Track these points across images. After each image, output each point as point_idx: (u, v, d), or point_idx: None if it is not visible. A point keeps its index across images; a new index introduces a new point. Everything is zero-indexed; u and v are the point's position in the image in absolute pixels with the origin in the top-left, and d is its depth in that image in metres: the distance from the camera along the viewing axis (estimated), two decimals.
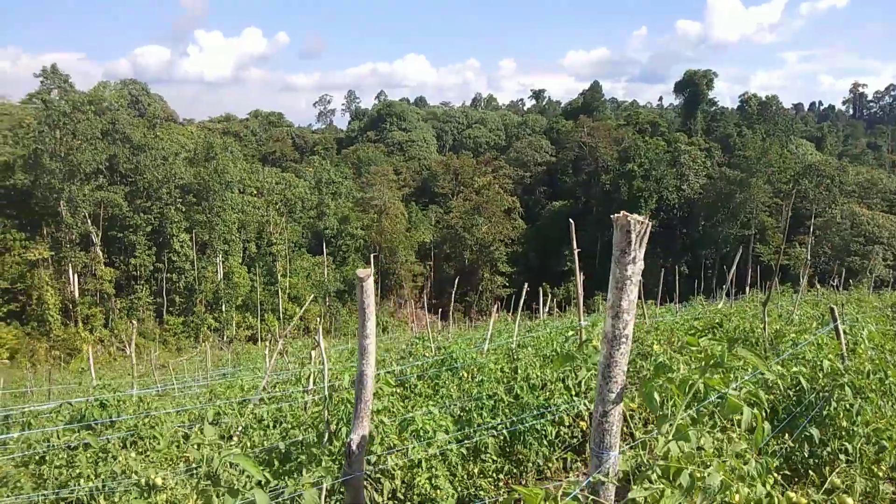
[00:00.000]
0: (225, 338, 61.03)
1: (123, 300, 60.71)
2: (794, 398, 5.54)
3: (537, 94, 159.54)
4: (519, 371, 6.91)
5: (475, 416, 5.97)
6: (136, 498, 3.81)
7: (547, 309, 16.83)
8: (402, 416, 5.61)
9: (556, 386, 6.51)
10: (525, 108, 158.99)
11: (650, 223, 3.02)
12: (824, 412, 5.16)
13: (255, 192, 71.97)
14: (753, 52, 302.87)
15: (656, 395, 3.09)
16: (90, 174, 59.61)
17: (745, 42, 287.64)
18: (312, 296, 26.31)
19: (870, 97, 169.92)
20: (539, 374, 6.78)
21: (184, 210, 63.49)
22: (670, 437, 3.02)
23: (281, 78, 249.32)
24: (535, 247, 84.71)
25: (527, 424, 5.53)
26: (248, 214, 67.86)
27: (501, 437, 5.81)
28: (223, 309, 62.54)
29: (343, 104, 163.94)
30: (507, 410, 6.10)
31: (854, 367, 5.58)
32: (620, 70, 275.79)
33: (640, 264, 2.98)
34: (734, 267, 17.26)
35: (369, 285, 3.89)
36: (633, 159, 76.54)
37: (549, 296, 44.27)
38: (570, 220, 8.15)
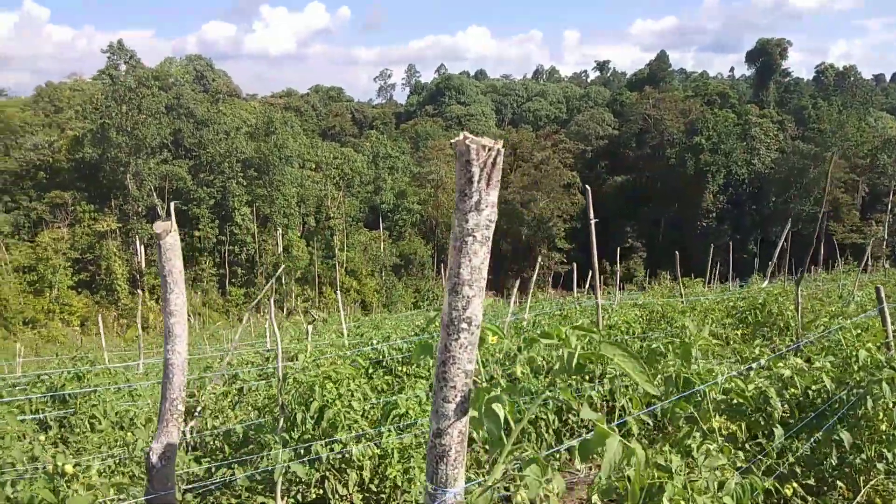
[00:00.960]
0: (284, 309, 62.18)
1: (188, 271, 62.43)
2: (818, 396, 4.68)
3: (602, 66, 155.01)
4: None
5: None
6: (41, 487, 3.36)
7: (587, 286, 15.89)
8: (386, 399, 5.04)
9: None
10: (588, 81, 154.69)
11: (498, 150, 2.07)
12: (859, 411, 4.28)
13: (314, 166, 72.56)
14: (833, 20, 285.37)
15: (500, 412, 2.04)
16: (155, 148, 61.22)
17: (824, 9, 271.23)
18: (282, 268, 26.10)
19: None
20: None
21: (245, 184, 64.63)
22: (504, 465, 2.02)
23: (343, 52, 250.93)
24: (596, 223, 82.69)
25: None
26: (306, 189, 68.55)
27: None
28: (283, 281, 63.65)
29: (403, 78, 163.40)
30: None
31: None
32: (690, 39, 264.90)
33: (490, 212, 2.09)
34: (780, 244, 15.96)
35: (169, 243, 2.95)
36: (701, 132, 73.34)
37: (592, 273, 43.08)
38: (588, 187, 7.37)
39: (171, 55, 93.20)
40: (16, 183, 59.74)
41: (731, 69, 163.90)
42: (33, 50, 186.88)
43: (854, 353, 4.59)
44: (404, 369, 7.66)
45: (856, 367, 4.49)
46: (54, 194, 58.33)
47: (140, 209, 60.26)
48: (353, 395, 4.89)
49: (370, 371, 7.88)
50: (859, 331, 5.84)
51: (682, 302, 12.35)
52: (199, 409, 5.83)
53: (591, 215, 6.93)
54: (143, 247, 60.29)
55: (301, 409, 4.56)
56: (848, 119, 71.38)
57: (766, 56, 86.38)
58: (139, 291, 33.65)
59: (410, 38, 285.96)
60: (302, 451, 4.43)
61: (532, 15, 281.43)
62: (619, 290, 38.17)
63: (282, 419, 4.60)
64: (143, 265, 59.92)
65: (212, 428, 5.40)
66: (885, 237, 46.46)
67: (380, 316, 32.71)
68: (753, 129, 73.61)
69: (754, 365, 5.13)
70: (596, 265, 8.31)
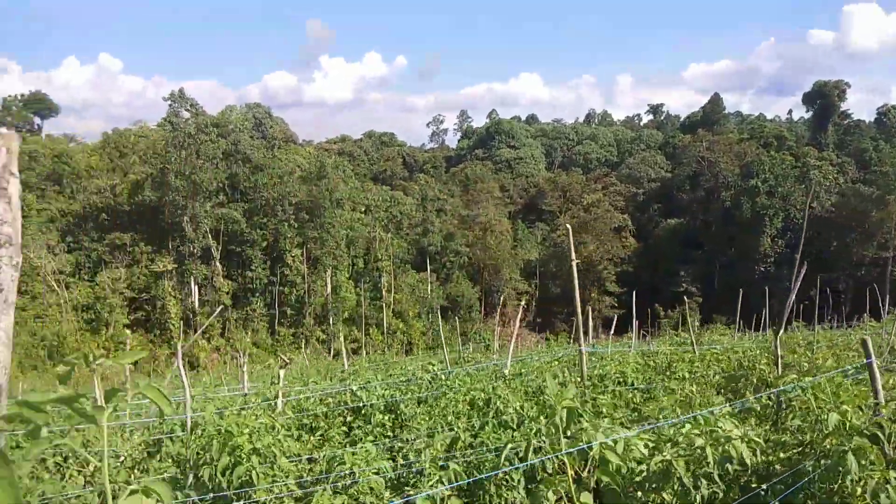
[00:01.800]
0: (332, 350, 62.45)
1: (239, 311, 63.65)
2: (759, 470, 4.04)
3: (655, 109, 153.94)
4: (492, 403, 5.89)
5: (417, 456, 4.96)
6: None
7: (612, 330, 15.22)
8: (333, 453, 4.69)
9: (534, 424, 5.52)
10: (641, 124, 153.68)
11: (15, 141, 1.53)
12: (819, 488, 3.62)
13: (364, 209, 73.65)
14: (895, 61, 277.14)
15: None
16: (212, 192, 63.27)
17: (886, 50, 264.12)
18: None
19: None
20: (523, 407, 5.76)
21: (296, 226, 65.95)
22: None
23: (398, 99, 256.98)
24: (647, 266, 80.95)
25: (485, 474, 4.38)
26: (356, 231, 69.49)
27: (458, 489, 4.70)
28: (330, 322, 64.12)
29: (455, 124, 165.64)
30: (465, 451, 5.06)
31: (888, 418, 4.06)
32: (746, 82, 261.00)
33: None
34: (794, 289, 15.03)
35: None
36: (757, 175, 71.43)
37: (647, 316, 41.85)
38: (568, 227, 7.06)
39: (234, 104, 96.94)
40: (79, 224, 62.53)
41: (790, 112, 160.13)
42: (106, 99, 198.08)
43: (822, 417, 4.00)
44: (382, 418, 7.39)
45: (819, 434, 3.90)
46: (114, 236, 60.73)
47: (195, 250, 62.03)
48: (277, 449, 4.56)
49: (346, 419, 7.69)
50: (850, 389, 5.21)
51: (694, 351, 11.68)
52: (121, 458, 5.62)
53: (573, 255, 6.56)
54: (197, 287, 61.84)
55: (209, 465, 4.26)
56: None
57: (823, 98, 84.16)
58: (191, 331, 34.42)
59: (464, 85, 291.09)
60: None
61: (584, 61, 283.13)
62: (667, 334, 36.91)
63: (190, 475, 4.32)
64: (197, 305, 61.35)
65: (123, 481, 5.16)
66: None
67: (391, 358, 32.28)
68: (812, 171, 71.21)
69: (668, 429, 4.55)
70: (579, 309, 7.91)
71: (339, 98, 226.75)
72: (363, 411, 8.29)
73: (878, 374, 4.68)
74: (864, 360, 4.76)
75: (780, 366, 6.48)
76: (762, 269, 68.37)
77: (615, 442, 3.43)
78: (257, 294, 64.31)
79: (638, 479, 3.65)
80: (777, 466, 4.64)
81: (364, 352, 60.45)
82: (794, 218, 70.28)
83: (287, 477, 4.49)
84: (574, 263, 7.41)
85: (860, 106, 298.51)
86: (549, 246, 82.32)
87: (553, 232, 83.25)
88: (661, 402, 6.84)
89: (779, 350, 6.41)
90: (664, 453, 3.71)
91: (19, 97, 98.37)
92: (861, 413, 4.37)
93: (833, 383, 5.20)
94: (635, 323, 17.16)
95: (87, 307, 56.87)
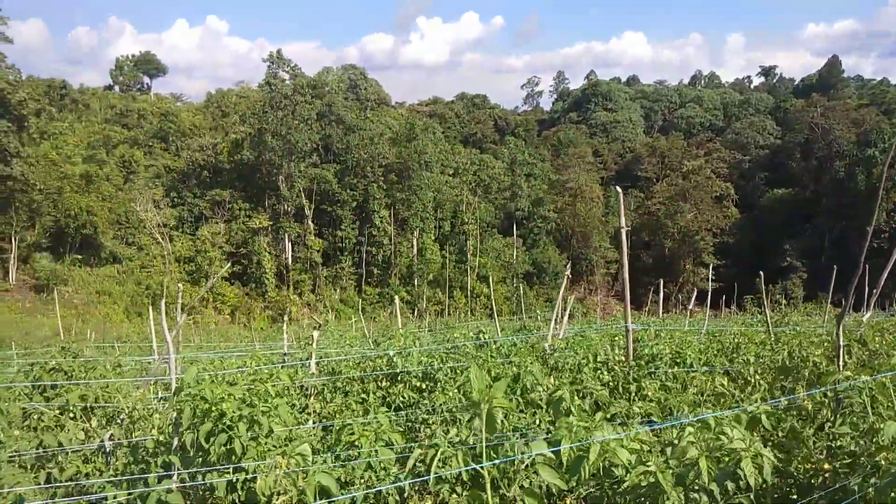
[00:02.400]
0: (416, 312, 63.40)
1: (329, 269, 65.59)
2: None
3: (767, 71, 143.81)
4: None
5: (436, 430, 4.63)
6: None
7: (661, 302, 14.18)
8: (342, 423, 4.46)
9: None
10: (751, 87, 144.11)
11: None
12: None
13: (453, 171, 73.48)
14: None
15: None
16: (306, 152, 64.92)
17: None
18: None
19: None
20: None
21: (385, 188, 66.77)
22: None
23: (494, 61, 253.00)
24: (750, 238, 76.61)
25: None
26: (443, 193, 69.53)
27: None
28: (415, 283, 64.98)
29: (551, 86, 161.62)
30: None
31: None
32: (870, 44, 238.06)
33: None
34: (888, 266, 13.43)
35: None
36: (875, 144, 65.46)
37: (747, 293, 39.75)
38: (618, 189, 6.40)
39: (332, 65, 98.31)
40: (182, 181, 65.97)
41: None
42: (213, 60, 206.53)
43: (880, 423, 3.31)
44: (422, 385, 7.14)
45: (875, 446, 3.23)
46: (215, 192, 63.69)
47: (289, 209, 64.13)
48: (270, 416, 4.34)
49: (381, 385, 7.45)
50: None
51: (769, 331, 10.64)
52: (121, 416, 5.61)
53: (623, 222, 5.97)
54: (290, 244, 64.12)
55: (191, 430, 4.12)
56: None
57: None
58: (284, 286, 35.67)
59: (562, 45, 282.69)
60: (188, 478, 3.99)
61: (693, 18, 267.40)
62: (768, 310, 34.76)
63: (176, 439, 4.21)
64: (290, 261, 63.70)
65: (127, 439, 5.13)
66: None
67: (471, 321, 32.03)
68: None
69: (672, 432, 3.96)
70: (626, 281, 7.28)
71: (435, 60, 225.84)
72: (400, 377, 8.15)
73: None
74: None
75: (841, 357, 5.66)
76: (875, 244, 63.06)
77: (583, 449, 2.98)
78: (346, 253, 65.93)
79: (621, 490, 3.20)
80: (817, 479, 4.08)
81: (447, 314, 61.00)
82: None
83: (276, 448, 4.32)
84: (624, 230, 6.85)
85: None
86: (642, 214, 79.36)
87: (648, 199, 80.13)
88: (687, 394, 6.25)
89: (841, 338, 5.60)
90: (649, 463, 3.26)
91: (130, 57, 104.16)
92: None
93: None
94: (713, 298, 15.91)
95: (188, 259, 60.28)
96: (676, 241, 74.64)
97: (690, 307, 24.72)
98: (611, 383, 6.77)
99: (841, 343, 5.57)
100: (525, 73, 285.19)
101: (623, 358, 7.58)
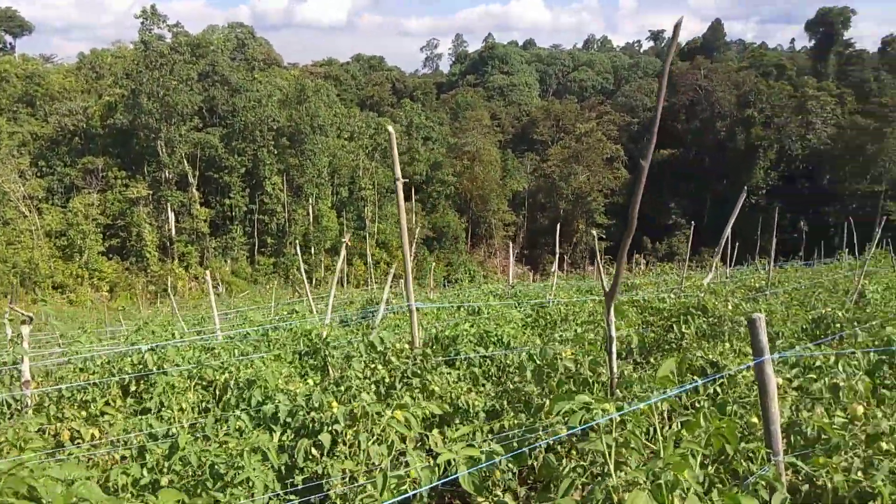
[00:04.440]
0: (314, 281, 61.66)
1: (218, 240, 62.43)
2: None
3: (655, 35, 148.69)
4: None
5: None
6: None
7: (556, 264, 13.66)
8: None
9: None
10: (641, 51, 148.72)
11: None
12: None
13: (349, 135, 71.38)
14: None
15: None
16: (187, 115, 60.87)
17: None
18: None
19: None
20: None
21: (276, 153, 63.94)
22: None
23: (393, 22, 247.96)
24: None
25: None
26: (339, 158, 67.47)
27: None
28: (312, 252, 63.06)
29: (450, 49, 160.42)
30: None
31: None
32: (751, 9, 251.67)
33: None
34: (732, 218, 13.64)
35: None
36: (754, 105, 69.07)
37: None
38: (391, 130, 5.52)
39: (220, 24, 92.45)
40: (51, 148, 60.39)
41: (792, 41, 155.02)
42: (94, 20, 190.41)
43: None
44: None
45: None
46: (87, 160, 58.72)
47: (171, 176, 60.22)
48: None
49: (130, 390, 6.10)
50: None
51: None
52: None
53: (397, 173, 5.09)
54: (173, 214, 60.37)
55: None
56: None
57: (827, 26, 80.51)
58: (168, 259, 33.18)
59: (461, 7, 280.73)
60: None
61: None
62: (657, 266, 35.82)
63: None
64: (174, 233, 60.05)
65: None
66: None
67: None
68: (809, 102, 68.78)
69: None
70: (407, 252, 6.44)
71: (332, 20, 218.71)
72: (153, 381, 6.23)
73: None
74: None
75: (613, 358, 4.68)
76: (753, 201, 66.94)
77: None
78: (236, 222, 62.94)
79: None
80: None
81: (346, 282, 59.66)
82: (789, 150, 68.41)
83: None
84: (399, 182, 5.77)
85: (866, 37, 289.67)
86: (538, 177, 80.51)
87: (544, 162, 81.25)
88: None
89: (612, 329, 4.59)
90: None
91: None
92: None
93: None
94: (557, 256, 15.40)
95: (59, 234, 55.49)
96: (570, 202, 76.31)
97: (585, 266, 24.84)
98: (386, 380, 5.40)
99: (613, 334, 4.60)
100: (425, 35, 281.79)
101: (409, 344, 6.27)
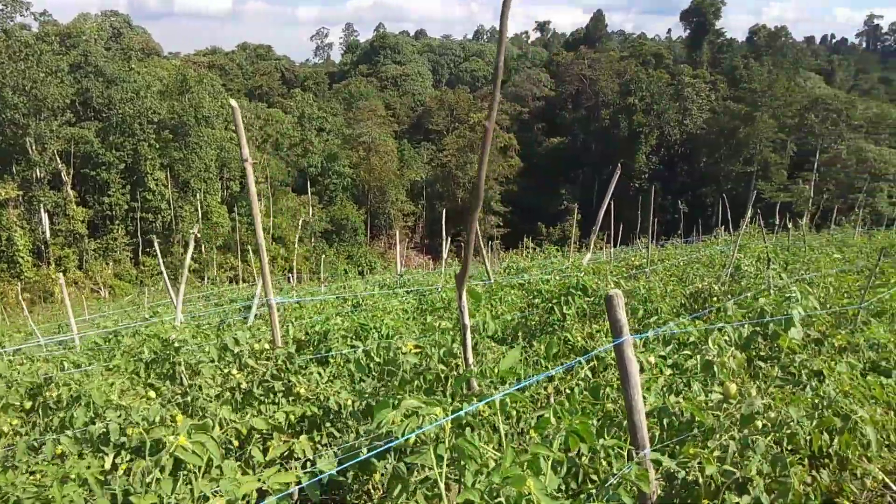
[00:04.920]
0: (206, 279, 59.28)
1: (98, 241, 58.70)
2: None
3: (542, 26, 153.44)
4: None
5: None
6: None
7: (445, 251, 13.78)
8: None
9: None
10: (529, 41, 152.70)
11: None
12: None
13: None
14: None
15: None
16: (58, 109, 56.63)
17: None
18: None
19: (885, 29, 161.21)
20: None
21: (158, 147, 60.78)
22: None
23: (281, 11, 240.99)
24: (531, 185, 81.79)
25: None
26: (228, 151, 65.00)
27: None
28: (202, 250, 60.54)
29: (341, 38, 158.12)
30: None
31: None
32: (631, 1, 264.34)
33: None
34: (607, 196, 14.61)
35: None
36: (635, 93, 72.68)
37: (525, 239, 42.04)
38: (234, 104, 5.41)
39: (95, 12, 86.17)
40: None
41: (669, 31, 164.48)
42: None
43: None
44: None
45: None
46: None
47: (43, 175, 55.91)
48: None
49: None
50: None
51: (489, 279, 10.04)
52: None
53: (245, 153, 4.83)
54: (47, 215, 56.13)
55: None
56: (777, 79, 71.75)
57: (700, 16, 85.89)
58: (43, 265, 30.73)
59: None
60: None
61: None
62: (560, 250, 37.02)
63: None
64: (49, 235, 55.86)
65: None
66: (811, 196, 46.50)
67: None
68: (686, 89, 73.27)
69: None
70: (262, 239, 6.04)
71: (216, 9, 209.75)
72: None
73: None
74: None
75: (468, 347, 4.34)
76: (637, 185, 70.56)
77: None
78: (117, 221, 59.34)
79: None
80: None
81: (241, 280, 57.76)
82: (669, 135, 72.51)
83: None
84: (249, 163, 5.18)
85: (736, 27, 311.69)
86: (435, 166, 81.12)
87: (440, 152, 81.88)
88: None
89: (465, 317, 4.12)
90: None
91: None
92: None
93: None
94: (445, 243, 15.41)
95: None
96: (468, 190, 77.39)
97: (485, 253, 25.19)
98: (242, 386, 4.76)
99: (466, 321, 4.06)
100: (315, 25, 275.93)
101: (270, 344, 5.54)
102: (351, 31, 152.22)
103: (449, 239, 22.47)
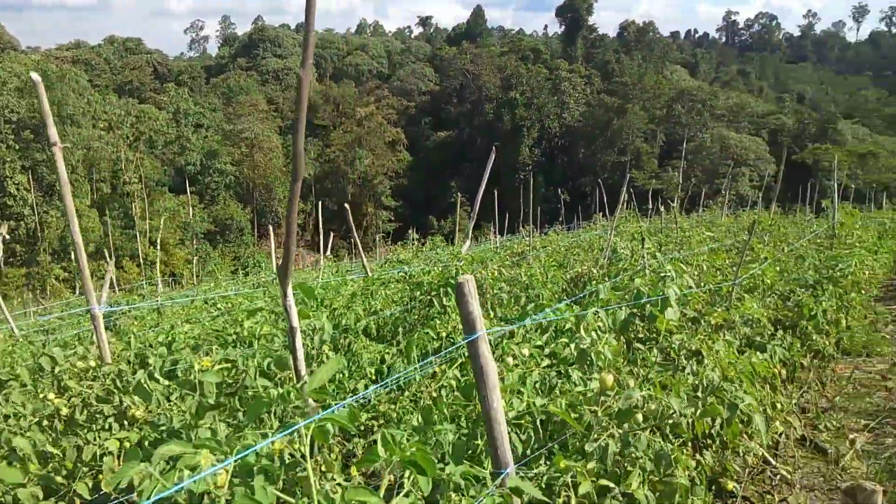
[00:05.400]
0: (77, 290, 55.27)
1: None
2: None
3: (424, 21, 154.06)
4: None
5: None
6: None
7: (322, 248, 13.44)
8: None
9: None
10: (412, 36, 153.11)
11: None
12: None
13: (106, 125, 64.53)
14: None
15: None
16: None
17: None
18: None
19: (741, 25, 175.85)
20: None
21: (18, 148, 55.95)
22: None
23: (151, 3, 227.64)
24: (421, 179, 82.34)
25: None
26: (97, 151, 60.82)
27: None
28: (72, 256, 56.35)
29: (217, 31, 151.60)
30: None
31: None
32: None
33: None
34: (483, 182, 15.39)
35: None
36: (516, 87, 74.83)
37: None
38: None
39: None
40: None
41: (545, 27, 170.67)
42: None
43: None
44: None
45: None
46: None
47: None
48: None
49: None
50: None
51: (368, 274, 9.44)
52: None
53: (55, 137, 4.28)
54: None
55: None
56: (646, 72, 76.21)
57: (574, 12, 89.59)
58: None
59: None
60: None
61: None
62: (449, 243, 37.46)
63: None
64: None
65: None
66: (680, 182, 49.90)
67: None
68: (563, 83, 76.29)
69: None
70: (78, 238, 5.58)
71: (80, 1, 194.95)
72: None
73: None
74: None
75: (298, 356, 3.31)
76: (521, 176, 72.81)
77: None
78: None
79: None
80: None
81: (117, 288, 54.28)
82: (549, 128, 75.25)
83: None
84: (58, 148, 4.19)
85: (608, 23, 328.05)
86: (323, 162, 79.80)
87: (327, 147, 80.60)
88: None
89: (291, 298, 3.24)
90: None
91: None
92: None
93: None
94: (322, 239, 14.96)
95: None
96: (357, 186, 76.84)
97: (379, 248, 25.14)
98: (62, 412, 3.82)
99: (295, 324, 3.24)
100: (189, 17, 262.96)
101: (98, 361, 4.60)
102: (228, 24, 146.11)
103: (332, 234, 22.21)
